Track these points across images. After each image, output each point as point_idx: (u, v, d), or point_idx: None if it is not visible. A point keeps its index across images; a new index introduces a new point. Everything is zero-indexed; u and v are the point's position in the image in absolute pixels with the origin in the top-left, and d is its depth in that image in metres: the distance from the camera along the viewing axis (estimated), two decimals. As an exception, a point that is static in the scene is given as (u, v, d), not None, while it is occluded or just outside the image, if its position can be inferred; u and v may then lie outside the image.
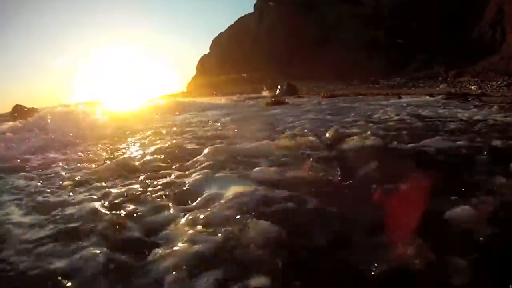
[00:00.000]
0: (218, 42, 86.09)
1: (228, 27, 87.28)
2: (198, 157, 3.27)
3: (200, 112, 11.71)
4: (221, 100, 20.91)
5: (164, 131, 6.25)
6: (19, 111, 19.99)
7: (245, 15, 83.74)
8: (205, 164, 2.98)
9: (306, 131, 4.83)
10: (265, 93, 25.35)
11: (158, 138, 5.29)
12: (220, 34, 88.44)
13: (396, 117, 6.17)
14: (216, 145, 3.70)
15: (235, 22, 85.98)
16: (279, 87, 22.24)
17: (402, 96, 12.74)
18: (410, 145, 3.41)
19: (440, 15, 49.63)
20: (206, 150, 3.43)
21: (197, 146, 4.01)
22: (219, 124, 7.13)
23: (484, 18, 43.96)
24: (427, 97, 12.42)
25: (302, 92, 24.03)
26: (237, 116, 9.09)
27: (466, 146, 3.21)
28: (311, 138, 3.90)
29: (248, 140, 4.00)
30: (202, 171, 2.75)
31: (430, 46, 46.55)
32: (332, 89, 32.02)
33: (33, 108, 21.90)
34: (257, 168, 2.71)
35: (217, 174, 2.63)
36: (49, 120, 8.17)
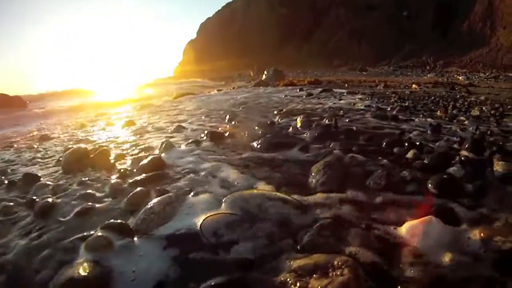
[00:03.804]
0: (206, 27, 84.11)
1: (216, 12, 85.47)
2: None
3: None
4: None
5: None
6: (4, 101, 18.67)
7: (233, 0, 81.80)
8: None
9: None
10: (251, 78, 25.43)
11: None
12: (208, 19, 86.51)
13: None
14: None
15: (222, 7, 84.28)
16: (265, 72, 21.41)
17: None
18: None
19: (431, 6, 49.20)
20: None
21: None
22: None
23: (474, 11, 43.97)
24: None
25: (288, 78, 23.05)
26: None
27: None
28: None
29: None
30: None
31: (419, 35, 46.34)
32: (319, 75, 31.20)
33: (17, 96, 20.55)
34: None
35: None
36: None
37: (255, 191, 1.74)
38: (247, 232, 1.42)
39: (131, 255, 1.37)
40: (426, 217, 1.29)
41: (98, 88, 28.51)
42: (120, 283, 1.24)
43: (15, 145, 4.83)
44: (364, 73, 33.03)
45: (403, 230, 1.30)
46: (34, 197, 2.19)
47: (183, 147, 2.98)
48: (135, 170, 2.39)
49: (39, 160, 3.46)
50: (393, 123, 3.95)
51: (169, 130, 4.22)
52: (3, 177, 2.93)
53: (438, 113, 4.84)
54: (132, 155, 3.04)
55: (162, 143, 2.99)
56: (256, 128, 3.65)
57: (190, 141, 3.13)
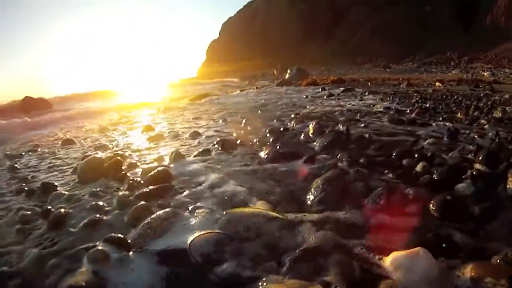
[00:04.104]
0: (228, 27, 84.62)
1: (237, 12, 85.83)
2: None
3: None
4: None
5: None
6: (29, 103, 19.47)
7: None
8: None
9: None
10: (274, 77, 25.74)
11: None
12: (230, 18, 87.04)
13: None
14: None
15: (244, 6, 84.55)
16: (288, 71, 21.25)
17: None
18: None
19: (454, 0, 47.28)
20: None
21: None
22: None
23: (497, 4, 41.87)
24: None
25: (312, 76, 22.76)
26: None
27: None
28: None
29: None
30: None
31: (442, 31, 44.59)
32: (342, 73, 30.75)
33: (42, 98, 21.39)
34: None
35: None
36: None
37: (247, 209, 1.75)
38: (234, 252, 1.45)
39: (125, 268, 1.45)
40: (415, 248, 1.22)
41: (121, 89, 29.25)
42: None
43: (39, 149, 5.08)
44: (388, 70, 32.20)
45: (388, 261, 1.24)
46: (49, 207, 2.29)
47: (192, 157, 3.02)
48: (142, 182, 2.45)
49: (58, 167, 3.62)
50: (409, 128, 3.83)
51: (184, 137, 4.30)
52: (24, 184, 3.09)
53: (459, 115, 4.65)
54: (144, 163, 3.12)
55: (172, 153, 3.04)
56: (268, 135, 3.64)
57: (201, 150, 3.16)
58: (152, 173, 2.48)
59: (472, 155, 2.51)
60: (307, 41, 60.64)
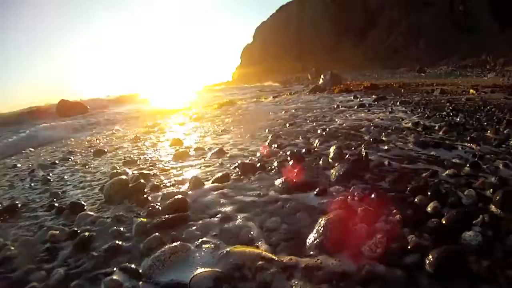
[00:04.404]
0: (261, 32, 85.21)
1: (271, 16, 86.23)
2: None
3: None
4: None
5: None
6: (65, 106, 20.72)
7: (287, 3, 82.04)
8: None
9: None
10: (309, 82, 25.79)
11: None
12: (263, 23, 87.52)
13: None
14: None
15: (277, 10, 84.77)
16: (322, 76, 21.02)
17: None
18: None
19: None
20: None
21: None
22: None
23: None
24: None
25: (346, 81, 22.40)
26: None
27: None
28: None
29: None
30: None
31: (477, 32, 42.15)
32: (377, 77, 30.04)
33: (78, 101, 22.72)
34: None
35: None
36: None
37: (248, 249, 1.84)
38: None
39: None
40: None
41: (156, 94, 30.45)
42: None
43: (72, 158, 5.49)
44: (423, 74, 30.97)
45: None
46: (76, 229, 2.51)
47: (211, 183, 3.15)
48: (161, 209, 2.60)
49: (88, 182, 3.94)
50: (433, 152, 3.64)
51: (209, 155, 4.45)
52: (55, 199, 3.37)
53: (489, 133, 4.42)
54: (166, 186, 3.31)
55: (192, 177, 3.19)
56: (289, 158, 3.70)
57: (220, 174, 3.28)
58: (169, 201, 2.63)
59: (491, 191, 2.36)
60: (341, 44, 59.71)
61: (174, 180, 3.47)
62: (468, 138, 4.16)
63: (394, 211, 2.13)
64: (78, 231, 2.45)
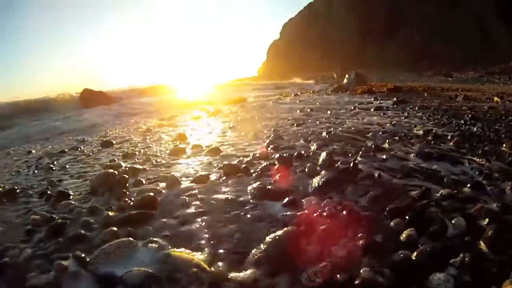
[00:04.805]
0: (288, 28, 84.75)
1: (298, 13, 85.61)
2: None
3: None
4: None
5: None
6: (88, 96, 20.93)
7: (314, 0, 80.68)
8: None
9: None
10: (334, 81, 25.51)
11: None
12: (290, 19, 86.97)
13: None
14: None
15: (304, 7, 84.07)
16: (346, 76, 20.59)
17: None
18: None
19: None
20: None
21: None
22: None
23: None
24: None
25: (371, 82, 21.78)
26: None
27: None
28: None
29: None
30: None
31: (507, 36, 39.60)
32: (403, 80, 29.06)
33: (101, 91, 23.17)
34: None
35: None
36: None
37: (185, 255, 1.82)
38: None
39: (74, 280, 1.74)
40: None
41: (182, 86, 31.02)
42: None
43: (81, 147, 5.67)
44: (450, 79, 29.80)
45: None
46: (54, 216, 2.63)
47: (187, 183, 3.14)
48: (132, 204, 2.61)
49: (85, 173, 4.03)
50: (435, 166, 3.29)
51: (203, 154, 4.43)
52: (49, 187, 3.49)
53: (504, 147, 4.06)
54: (150, 181, 3.32)
55: (169, 176, 3.21)
56: (276, 162, 3.58)
57: (199, 174, 3.27)
58: (140, 197, 2.64)
59: (486, 223, 1.92)
60: (367, 44, 58.05)
61: (157, 177, 3.49)
62: (480, 152, 3.79)
63: (360, 234, 1.89)
64: (56, 218, 2.54)
